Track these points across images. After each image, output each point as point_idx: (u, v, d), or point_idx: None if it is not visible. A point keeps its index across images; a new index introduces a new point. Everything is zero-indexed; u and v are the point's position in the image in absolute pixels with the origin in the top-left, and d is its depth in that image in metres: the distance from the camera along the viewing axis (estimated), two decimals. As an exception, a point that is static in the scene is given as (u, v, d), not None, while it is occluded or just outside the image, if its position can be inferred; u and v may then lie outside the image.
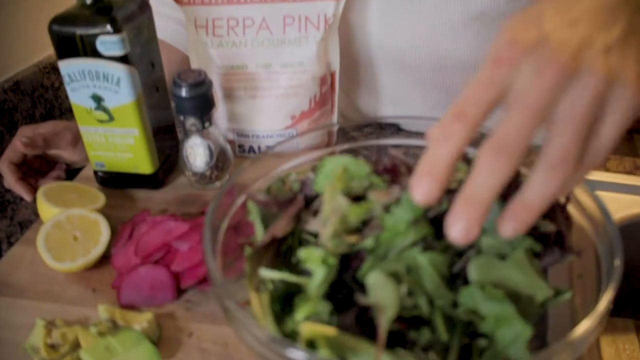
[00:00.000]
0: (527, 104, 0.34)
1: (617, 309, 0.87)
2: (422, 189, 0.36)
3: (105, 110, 0.72)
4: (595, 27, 0.35)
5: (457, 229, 0.35)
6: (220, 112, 0.80)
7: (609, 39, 0.35)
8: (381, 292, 0.41)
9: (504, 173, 0.35)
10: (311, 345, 0.42)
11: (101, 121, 0.73)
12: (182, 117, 0.72)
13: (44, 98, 1.05)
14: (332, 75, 0.80)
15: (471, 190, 0.36)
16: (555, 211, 0.52)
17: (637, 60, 0.35)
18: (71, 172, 0.87)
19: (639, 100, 0.35)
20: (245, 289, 0.52)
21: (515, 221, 0.37)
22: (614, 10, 0.36)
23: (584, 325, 0.41)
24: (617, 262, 0.47)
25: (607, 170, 0.87)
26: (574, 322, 0.53)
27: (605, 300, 0.43)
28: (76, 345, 0.57)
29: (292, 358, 0.39)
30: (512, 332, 0.41)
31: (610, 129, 0.36)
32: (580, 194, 0.53)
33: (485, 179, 0.35)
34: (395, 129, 0.77)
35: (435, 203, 0.37)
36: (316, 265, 0.45)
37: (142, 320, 0.58)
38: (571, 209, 0.53)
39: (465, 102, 0.36)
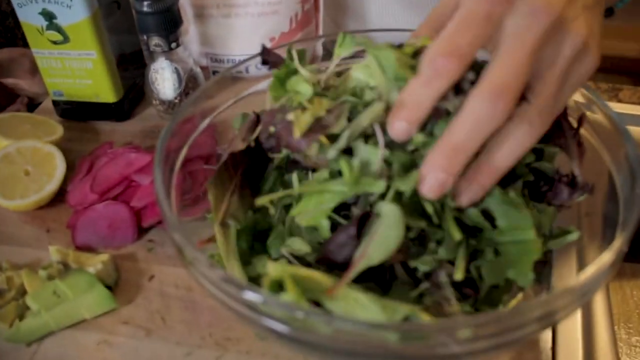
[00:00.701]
0: (524, 45, 0.33)
1: (626, 253, 0.81)
2: (400, 129, 0.35)
3: (58, 29, 0.63)
4: None
5: (431, 182, 0.34)
6: (191, 35, 0.71)
7: None
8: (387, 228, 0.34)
9: (500, 121, 0.33)
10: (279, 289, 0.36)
11: (55, 42, 0.65)
12: (145, 37, 0.64)
13: (3, 25, 0.96)
14: (316, -8, 0.71)
15: (458, 137, 0.33)
16: (566, 136, 0.45)
17: (599, 31, 0.36)
18: (34, 107, 0.79)
19: (594, 70, 0.36)
20: (208, 230, 0.45)
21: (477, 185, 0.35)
22: None
23: (592, 269, 0.34)
24: (639, 191, 0.40)
25: (619, 100, 0.79)
26: (582, 266, 0.47)
27: (620, 239, 0.37)
28: (23, 291, 0.50)
29: (250, 301, 0.32)
30: (520, 248, 0.36)
31: (568, 91, 0.36)
32: (594, 114, 0.46)
33: (481, 127, 0.33)
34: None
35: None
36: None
37: (96, 261, 0.51)
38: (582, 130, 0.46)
39: (462, 36, 0.33)
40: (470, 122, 0.33)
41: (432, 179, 0.34)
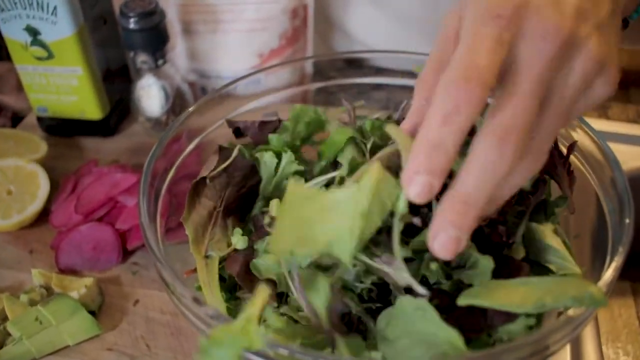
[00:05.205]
0: (534, 75, 0.30)
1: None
2: (421, 186, 0.29)
3: (42, 45, 0.62)
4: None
5: (444, 240, 0.30)
6: (178, 50, 0.71)
7: (600, 15, 0.32)
8: None
9: (511, 165, 0.29)
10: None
11: (39, 58, 0.64)
12: (132, 54, 0.63)
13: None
14: (305, 8, 0.70)
15: (465, 190, 0.29)
16: (557, 164, 0.44)
17: (615, 48, 0.33)
18: (19, 120, 0.78)
19: (609, 95, 0.33)
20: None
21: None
22: None
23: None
24: (627, 221, 0.40)
25: (608, 118, 0.80)
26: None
27: (612, 269, 0.36)
28: (4, 317, 0.49)
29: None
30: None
31: (574, 116, 0.34)
32: (583, 140, 0.46)
33: (490, 174, 0.29)
34: (375, 70, 0.69)
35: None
36: None
37: (80, 285, 0.50)
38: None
39: (479, 58, 0.29)
40: (479, 171, 0.29)
41: (444, 237, 0.30)
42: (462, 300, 0.33)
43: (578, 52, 0.31)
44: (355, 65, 0.68)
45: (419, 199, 0.30)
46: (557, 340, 0.34)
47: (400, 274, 0.34)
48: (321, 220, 0.31)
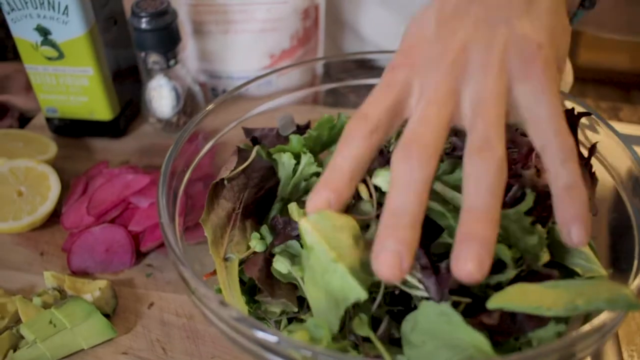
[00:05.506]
0: (429, 94, 0.34)
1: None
2: (319, 202, 0.33)
3: (53, 45, 0.62)
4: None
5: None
6: (189, 51, 0.70)
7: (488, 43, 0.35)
8: None
9: (425, 170, 0.32)
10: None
11: (49, 58, 0.63)
12: (143, 54, 0.62)
13: (-7, 37, 0.94)
14: (316, 8, 0.70)
15: (395, 205, 0.31)
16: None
17: (555, 32, 0.36)
18: (26, 122, 0.77)
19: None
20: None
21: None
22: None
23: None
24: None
25: (619, 120, 0.79)
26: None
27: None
28: (17, 319, 0.49)
29: (262, 340, 0.31)
30: None
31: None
32: (604, 139, 0.45)
33: (407, 186, 0.31)
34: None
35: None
36: None
37: (94, 288, 0.50)
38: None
39: (366, 105, 0.35)
40: (400, 187, 0.31)
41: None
42: (492, 304, 0.32)
43: (516, 35, 0.34)
44: (366, 66, 0.68)
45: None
46: (585, 347, 0.34)
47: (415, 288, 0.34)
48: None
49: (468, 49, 0.34)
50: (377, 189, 0.37)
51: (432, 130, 0.32)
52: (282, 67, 0.53)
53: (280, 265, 0.35)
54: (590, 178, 0.44)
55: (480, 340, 0.32)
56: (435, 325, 0.34)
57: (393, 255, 0.30)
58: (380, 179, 0.36)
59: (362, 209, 0.37)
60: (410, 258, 0.30)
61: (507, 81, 0.34)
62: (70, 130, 0.69)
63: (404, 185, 0.31)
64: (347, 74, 0.60)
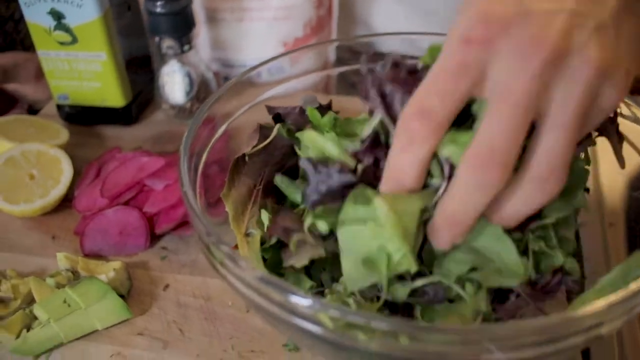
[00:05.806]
0: (512, 98, 0.28)
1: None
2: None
3: (66, 29, 0.61)
4: None
5: (440, 242, 0.32)
6: (202, 39, 0.70)
7: (601, 15, 0.29)
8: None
9: (493, 189, 0.29)
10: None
11: (62, 43, 0.62)
12: (157, 39, 0.62)
13: (2, 30, 0.93)
14: (331, -3, 0.70)
15: (453, 207, 0.31)
16: (605, 123, 0.43)
17: (629, 50, 0.30)
18: (34, 113, 0.76)
19: (619, 99, 0.30)
20: (231, 234, 0.43)
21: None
22: None
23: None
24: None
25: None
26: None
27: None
28: (30, 300, 0.48)
29: (293, 304, 0.30)
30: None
31: (585, 132, 0.32)
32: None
33: (470, 197, 0.30)
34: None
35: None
36: None
37: (108, 269, 0.49)
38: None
39: (429, 95, 0.29)
40: (462, 195, 0.30)
41: (440, 238, 0.33)
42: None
43: (574, 60, 0.28)
44: (377, 57, 0.67)
45: None
46: (613, 318, 0.33)
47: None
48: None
49: (569, 39, 0.28)
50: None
51: (512, 146, 0.29)
52: (293, 50, 0.53)
53: (322, 224, 0.34)
54: (617, 135, 0.42)
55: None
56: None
57: None
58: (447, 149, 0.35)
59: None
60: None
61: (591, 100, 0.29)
62: (82, 118, 0.69)
63: (469, 199, 0.30)
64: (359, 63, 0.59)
